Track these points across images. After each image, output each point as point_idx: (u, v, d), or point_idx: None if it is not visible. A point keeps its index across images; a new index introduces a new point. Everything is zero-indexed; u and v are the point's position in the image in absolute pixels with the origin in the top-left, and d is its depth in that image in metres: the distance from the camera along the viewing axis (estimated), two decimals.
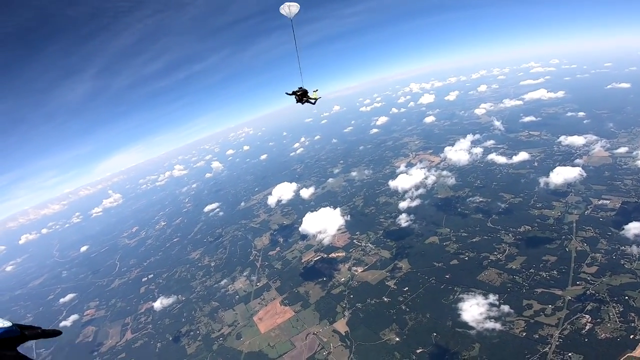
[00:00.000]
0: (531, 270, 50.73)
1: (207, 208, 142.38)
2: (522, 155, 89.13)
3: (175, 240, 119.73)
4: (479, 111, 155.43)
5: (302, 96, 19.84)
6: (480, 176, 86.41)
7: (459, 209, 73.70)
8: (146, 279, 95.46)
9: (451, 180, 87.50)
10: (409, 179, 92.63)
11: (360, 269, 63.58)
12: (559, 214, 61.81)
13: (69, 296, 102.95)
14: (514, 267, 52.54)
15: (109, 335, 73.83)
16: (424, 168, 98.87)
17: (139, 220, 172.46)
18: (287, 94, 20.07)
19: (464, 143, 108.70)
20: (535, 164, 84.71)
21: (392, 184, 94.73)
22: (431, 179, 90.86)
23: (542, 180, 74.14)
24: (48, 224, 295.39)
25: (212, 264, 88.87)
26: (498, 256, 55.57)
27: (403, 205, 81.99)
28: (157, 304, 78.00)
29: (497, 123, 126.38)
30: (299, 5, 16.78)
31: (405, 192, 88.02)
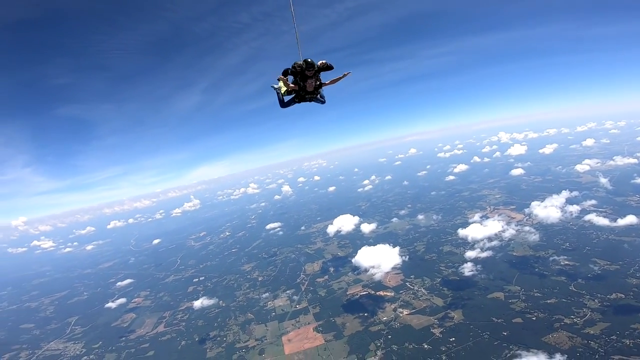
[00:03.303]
0: (613, 336, 42.50)
1: (269, 226, 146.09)
2: (630, 219, 73.18)
3: (233, 250, 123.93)
4: (581, 167, 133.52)
5: (304, 78, 11.60)
6: (570, 238, 72.83)
7: (536, 269, 62.80)
8: (197, 279, 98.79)
9: (534, 237, 75.14)
10: (482, 229, 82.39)
11: (406, 312, 56.79)
12: None
13: (127, 281, 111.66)
14: (592, 332, 44.32)
15: (143, 324, 76.49)
16: (502, 221, 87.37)
17: (208, 226, 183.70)
18: (273, 87, 12.88)
19: (557, 199, 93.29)
20: None
21: (462, 232, 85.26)
22: (509, 233, 79.31)
23: None
24: (135, 216, 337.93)
25: (260, 279, 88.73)
26: (575, 320, 47.18)
27: (470, 254, 72.66)
28: (198, 304, 79.33)
29: (603, 180, 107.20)
30: None
31: (476, 242, 78.15)
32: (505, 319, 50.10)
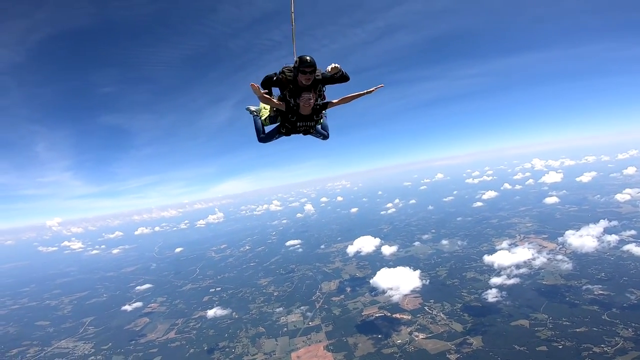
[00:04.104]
0: None
1: (289, 243, 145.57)
2: None
3: (252, 264, 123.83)
4: (622, 197, 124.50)
5: (297, 91, 7.78)
6: (606, 268, 68.06)
7: (567, 298, 58.98)
8: (213, 290, 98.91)
9: (566, 266, 70.34)
10: (510, 257, 77.98)
11: (422, 336, 53.94)
12: None
13: (146, 286, 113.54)
14: None
15: (155, 329, 76.70)
16: (532, 249, 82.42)
17: (229, 239, 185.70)
18: (249, 109, 9.44)
19: (594, 229, 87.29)
20: None
21: (488, 258, 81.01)
22: (540, 261, 74.49)
23: None
24: (162, 224, 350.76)
25: (275, 293, 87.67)
26: (605, 349, 44.21)
27: (496, 281, 68.78)
28: (211, 313, 79.07)
29: None
30: None
31: (502, 269, 73.93)
32: (528, 347, 46.99)
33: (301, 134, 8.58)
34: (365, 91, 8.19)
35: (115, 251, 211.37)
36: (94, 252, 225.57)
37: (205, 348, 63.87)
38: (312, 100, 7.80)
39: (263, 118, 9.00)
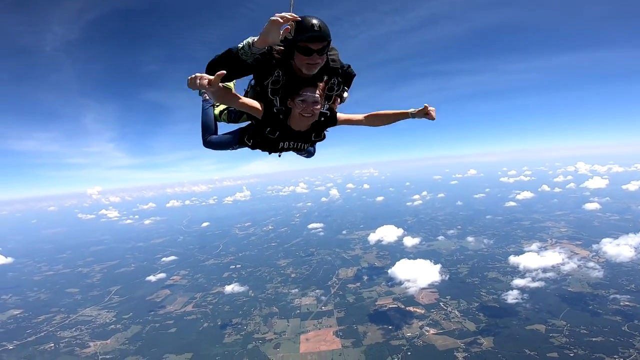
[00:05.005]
0: None
1: (311, 226, 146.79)
2: None
3: (273, 244, 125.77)
4: None
5: (297, 84, 4.12)
6: (638, 279, 64.78)
7: (590, 306, 56.81)
8: (234, 267, 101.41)
9: (596, 274, 66.81)
10: (538, 259, 74.58)
11: (432, 331, 53.34)
12: None
13: (171, 258, 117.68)
14: None
15: (174, 302, 78.93)
16: (563, 254, 78.24)
17: (253, 218, 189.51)
18: (198, 93, 5.58)
19: (634, 239, 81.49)
20: None
21: (513, 259, 77.93)
22: (569, 267, 70.91)
23: None
24: (192, 198, 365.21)
25: (292, 275, 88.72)
26: None
27: (518, 282, 66.43)
28: (229, 289, 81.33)
29: None
30: None
31: (528, 271, 70.95)
32: (539, 352, 45.95)
33: (276, 151, 5.12)
34: (414, 110, 4.98)
35: (147, 222, 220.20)
36: (128, 221, 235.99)
37: (219, 323, 65.59)
38: (318, 106, 4.34)
39: (218, 111, 5.70)
